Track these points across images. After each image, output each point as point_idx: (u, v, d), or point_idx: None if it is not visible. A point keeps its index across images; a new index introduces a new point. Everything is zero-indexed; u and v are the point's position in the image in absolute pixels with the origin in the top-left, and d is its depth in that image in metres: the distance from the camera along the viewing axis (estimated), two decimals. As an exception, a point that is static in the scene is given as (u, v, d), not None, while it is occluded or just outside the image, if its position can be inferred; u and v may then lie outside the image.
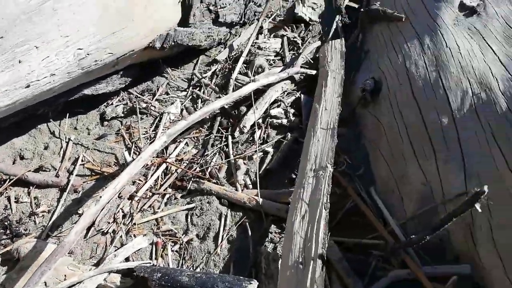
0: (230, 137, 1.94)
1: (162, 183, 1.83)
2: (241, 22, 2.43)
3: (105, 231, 1.64)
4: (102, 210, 1.65)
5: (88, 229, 1.63)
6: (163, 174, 1.87)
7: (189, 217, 1.67)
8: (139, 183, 1.82)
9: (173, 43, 2.07)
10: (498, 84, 1.35)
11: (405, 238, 1.36)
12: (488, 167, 1.25)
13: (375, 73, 1.85)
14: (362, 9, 2.28)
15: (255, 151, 1.84)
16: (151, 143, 1.86)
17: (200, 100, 2.16)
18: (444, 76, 1.50)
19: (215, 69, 2.32)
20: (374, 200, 1.54)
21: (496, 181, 1.22)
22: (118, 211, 1.70)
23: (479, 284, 1.24)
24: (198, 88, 2.23)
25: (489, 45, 1.51)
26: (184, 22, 2.18)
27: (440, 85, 1.49)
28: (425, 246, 1.38)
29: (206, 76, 2.29)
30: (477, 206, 1.02)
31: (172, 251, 1.57)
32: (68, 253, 1.55)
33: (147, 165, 1.89)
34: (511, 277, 1.13)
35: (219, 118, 2.02)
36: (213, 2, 2.24)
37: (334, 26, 2.37)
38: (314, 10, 2.56)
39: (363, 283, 1.37)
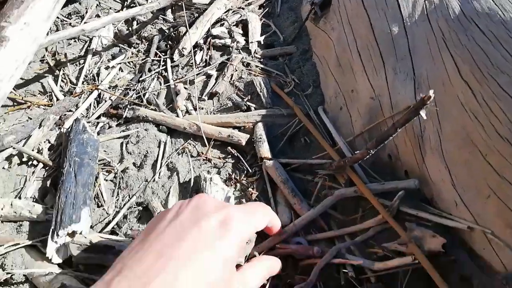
0: (169, 60, 1.76)
1: (94, 111, 1.65)
2: None
3: (31, 163, 1.47)
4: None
5: (11, 161, 1.46)
6: (95, 102, 1.69)
7: (124, 145, 1.52)
8: (67, 113, 1.64)
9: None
10: (453, -14, 1.24)
11: (352, 155, 1.29)
12: (439, 75, 1.17)
13: (325, -15, 1.69)
14: None
15: (196, 74, 1.68)
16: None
17: (135, 22, 1.94)
18: (397, -18, 1.37)
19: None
20: (321, 119, 1.46)
21: (447, 89, 1.14)
22: (45, 141, 1.52)
23: (427, 198, 1.20)
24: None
25: None
26: None
27: (392, -8, 1.36)
28: (374, 164, 1.33)
29: (142, -5, 2.04)
30: (423, 113, 0.93)
31: (106, 180, 1.43)
32: (-13, 188, 1.39)
33: (77, 93, 1.69)
34: (459, 189, 1.08)
35: (156, 40, 1.82)
36: None
37: None
38: None
39: (309, 203, 1.32)
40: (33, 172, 1.43)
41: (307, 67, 1.65)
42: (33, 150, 1.46)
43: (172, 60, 1.75)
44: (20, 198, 1.37)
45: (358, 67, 1.36)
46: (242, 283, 0.54)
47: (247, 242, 0.64)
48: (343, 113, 1.40)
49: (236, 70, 1.69)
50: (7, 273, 1.21)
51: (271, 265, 0.64)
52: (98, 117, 1.63)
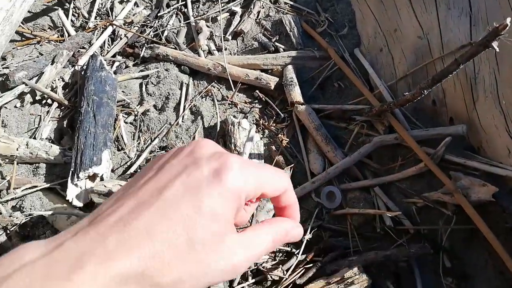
0: (189, -6, 1.61)
1: (109, 49, 1.53)
2: None
3: (44, 102, 1.38)
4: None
5: (23, 99, 1.36)
6: (109, 40, 1.56)
7: (144, 86, 1.42)
8: (81, 50, 1.52)
9: None
10: None
11: (393, 99, 1.20)
12: (501, 11, 1.05)
13: None
14: None
15: (220, 11, 1.54)
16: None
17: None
18: None
19: None
20: (359, 62, 1.35)
21: (509, 28, 1.03)
22: (59, 79, 1.41)
23: (472, 147, 1.12)
24: None
25: None
26: None
27: None
28: (415, 111, 1.24)
29: None
30: (495, 44, 0.82)
31: (126, 122, 1.34)
32: (2, 125, 1.30)
33: (90, 28, 1.56)
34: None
35: (175, -28, 1.66)
36: None
37: None
38: None
39: (343, 151, 1.24)
40: (48, 112, 1.34)
41: (341, 5, 1.51)
42: (46, 88, 1.36)
43: (192, -5, 1.61)
44: (35, 139, 1.29)
45: (403, 3, 1.23)
46: (241, 245, 0.42)
47: (249, 202, 0.50)
48: (383, 55, 1.28)
49: (263, 7, 1.55)
50: (27, 215, 1.16)
51: (285, 229, 0.48)
52: (114, 56, 1.52)
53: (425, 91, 0.97)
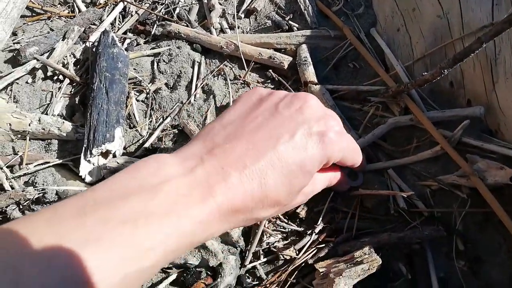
0: (201, -29, 1.58)
1: (120, 26, 1.51)
2: None
3: (56, 78, 1.37)
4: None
5: (34, 75, 1.35)
6: (120, 17, 1.54)
7: (155, 63, 1.40)
8: (92, 27, 1.50)
9: None
10: None
11: (410, 80, 1.17)
12: (523, -10, 1.02)
13: None
14: None
15: (234, -13, 1.51)
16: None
17: None
18: None
19: None
20: (375, 42, 1.32)
21: (531, 7, 1.00)
22: (70, 55, 1.40)
23: (491, 130, 1.10)
24: None
25: None
26: None
27: None
28: (431, 93, 1.22)
29: None
30: (522, 21, 0.79)
31: (138, 100, 1.34)
32: (14, 101, 1.30)
33: (100, 4, 1.54)
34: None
35: None
36: None
37: None
38: None
39: (357, 133, 1.23)
40: (59, 88, 1.33)
41: (358, -17, 1.47)
42: (57, 64, 1.35)
43: (205, -28, 1.57)
44: (47, 115, 1.29)
45: (423, -19, 1.20)
46: (312, 185, 0.61)
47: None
48: (400, 35, 1.25)
49: (277, -15, 1.52)
50: (40, 191, 1.16)
51: (333, 174, 0.77)
52: (124, 33, 1.50)
53: (445, 70, 0.95)
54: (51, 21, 1.49)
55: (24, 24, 1.48)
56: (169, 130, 1.29)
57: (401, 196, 1.11)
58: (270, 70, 1.36)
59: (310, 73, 1.29)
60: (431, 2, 1.17)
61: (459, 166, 1.06)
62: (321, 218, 1.09)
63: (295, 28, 1.43)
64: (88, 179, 1.15)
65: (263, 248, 1.06)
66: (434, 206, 1.09)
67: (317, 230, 1.07)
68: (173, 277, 1.02)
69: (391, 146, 1.21)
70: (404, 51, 1.24)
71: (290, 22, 1.44)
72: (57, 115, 1.30)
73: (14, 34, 1.45)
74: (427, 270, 1.03)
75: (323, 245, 1.06)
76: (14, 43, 1.40)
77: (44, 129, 1.22)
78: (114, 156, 1.18)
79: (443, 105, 1.18)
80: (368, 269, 0.94)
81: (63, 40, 1.38)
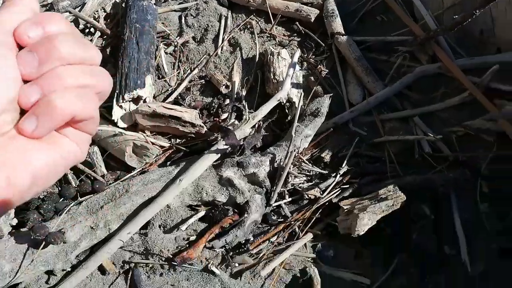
0: None
1: (149, -17, 1.54)
2: None
3: (88, 31, 1.41)
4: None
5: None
6: (149, -26, 1.57)
7: (183, 18, 1.43)
8: (121, -16, 1.53)
9: None
10: None
11: (439, 29, 1.17)
12: None
13: None
14: None
15: None
16: None
17: None
18: None
19: None
20: (402, -7, 1.31)
21: None
22: (101, 9, 1.44)
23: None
24: None
25: None
26: None
27: None
28: (460, 41, 1.21)
29: None
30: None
31: (166, 53, 1.37)
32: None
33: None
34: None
35: None
36: None
37: None
38: None
39: (384, 83, 1.23)
40: (91, 40, 1.37)
41: None
42: (89, 17, 1.39)
43: None
44: (80, 65, 1.33)
45: None
46: None
47: None
48: (430, -16, 1.24)
49: None
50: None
51: None
52: (153, -10, 1.52)
53: (477, 11, 0.94)
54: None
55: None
56: (197, 81, 1.32)
57: (426, 142, 1.12)
58: (297, 23, 1.36)
59: (337, 25, 1.29)
60: (463, -51, 1.16)
61: (487, 111, 1.06)
62: (345, 162, 1.11)
63: (322, -18, 1.43)
64: (120, 123, 1.20)
65: (288, 188, 1.09)
66: (459, 151, 1.09)
67: (341, 172, 1.09)
68: (201, 213, 1.06)
69: (417, 95, 1.21)
70: (433, 2, 1.23)
71: (317, -24, 1.43)
72: (90, 66, 1.34)
73: (47, -10, 1.49)
74: (450, 212, 1.04)
75: (347, 186, 1.08)
76: (47, -2, 1.45)
77: (78, 77, 1.27)
78: (145, 102, 1.21)
79: (471, 54, 1.17)
80: (393, 205, 0.96)
81: (94, -6, 1.41)
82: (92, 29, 1.40)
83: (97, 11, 1.42)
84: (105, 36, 1.39)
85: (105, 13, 1.43)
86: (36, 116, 0.33)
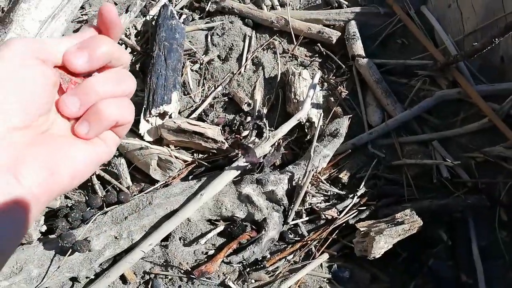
0: (256, -49, 1.64)
1: (177, 2, 1.61)
2: None
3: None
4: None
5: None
6: (178, -6, 1.64)
7: (209, 37, 1.48)
8: (152, 2, 1.61)
9: None
10: None
11: (460, 55, 1.18)
12: None
13: None
14: None
15: (286, -34, 1.57)
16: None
17: None
18: None
19: None
20: (424, 19, 1.33)
21: None
22: (132, 26, 1.51)
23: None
24: None
25: None
26: None
27: None
28: (481, 67, 1.22)
29: None
30: None
31: (192, 70, 1.42)
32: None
33: (160, -19, 1.64)
34: None
35: None
36: None
37: None
38: None
39: (403, 106, 1.25)
40: (122, 56, 1.44)
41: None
42: (121, 34, 1.46)
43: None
44: (110, 80, 1.40)
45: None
46: None
47: None
48: (451, 11, 1.26)
49: (328, -36, 1.56)
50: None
51: None
52: (181, 9, 1.59)
53: (496, 39, 0.96)
54: (115, -4, 1.61)
55: (90, -2, 1.61)
56: (220, 98, 1.36)
57: (445, 166, 1.12)
58: (319, 44, 1.40)
59: (358, 47, 1.32)
60: (485, -23, 1.17)
61: (507, 138, 1.06)
62: (363, 183, 1.13)
63: (344, 6, 1.46)
64: (147, 137, 1.25)
65: (305, 207, 1.11)
66: (478, 178, 1.10)
67: (359, 194, 1.11)
68: (220, 228, 1.10)
69: (437, 119, 1.23)
70: (454, 27, 1.25)
71: (339, -1, 1.47)
72: (119, 81, 1.41)
73: (82, 7, 1.58)
74: (467, 238, 1.04)
75: (364, 207, 1.09)
76: (82, 15, 1.53)
77: (107, 92, 1.33)
78: (170, 117, 1.26)
79: (492, 81, 1.18)
80: (409, 229, 0.97)
81: (126, 12, 1.49)
82: (123, 45, 1.46)
83: (129, 28, 1.49)
84: (135, 53, 1.46)
85: (136, 31, 1.50)
86: (88, 122, 0.40)
